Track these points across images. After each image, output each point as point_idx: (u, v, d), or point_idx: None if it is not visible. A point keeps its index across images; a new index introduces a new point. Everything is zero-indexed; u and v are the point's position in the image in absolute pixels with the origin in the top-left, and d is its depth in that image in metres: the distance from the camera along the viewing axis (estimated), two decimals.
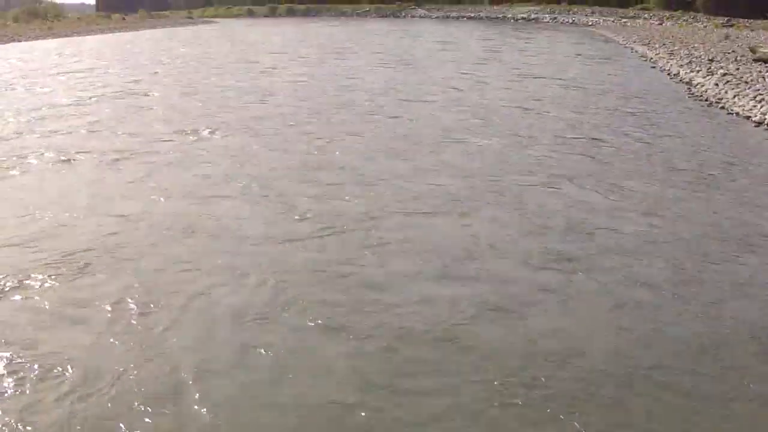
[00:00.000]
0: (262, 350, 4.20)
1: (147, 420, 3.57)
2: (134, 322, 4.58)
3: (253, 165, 8.62)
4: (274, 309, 4.73)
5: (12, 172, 8.36)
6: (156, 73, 19.58)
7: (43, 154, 9.19)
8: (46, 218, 6.58)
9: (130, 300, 4.87)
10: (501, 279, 5.24)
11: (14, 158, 8.97)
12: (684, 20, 44.81)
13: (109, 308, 4.75)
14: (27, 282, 5.18)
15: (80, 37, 38.09)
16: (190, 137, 10.27)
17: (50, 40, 35.81)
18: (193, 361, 4.09)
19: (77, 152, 9.23)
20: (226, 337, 4.40)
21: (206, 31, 47.47)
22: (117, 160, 8.85)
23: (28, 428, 3.53)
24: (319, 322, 4.54)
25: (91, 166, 8.62)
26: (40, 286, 5.12)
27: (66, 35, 39.05)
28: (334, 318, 4.59)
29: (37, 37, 36.60)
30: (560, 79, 17.20)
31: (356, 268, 5.42)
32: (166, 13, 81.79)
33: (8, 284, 5.13)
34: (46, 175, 8.29)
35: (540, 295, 4.96)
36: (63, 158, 8.95)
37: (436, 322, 4.54)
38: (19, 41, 34.20)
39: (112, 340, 4.33)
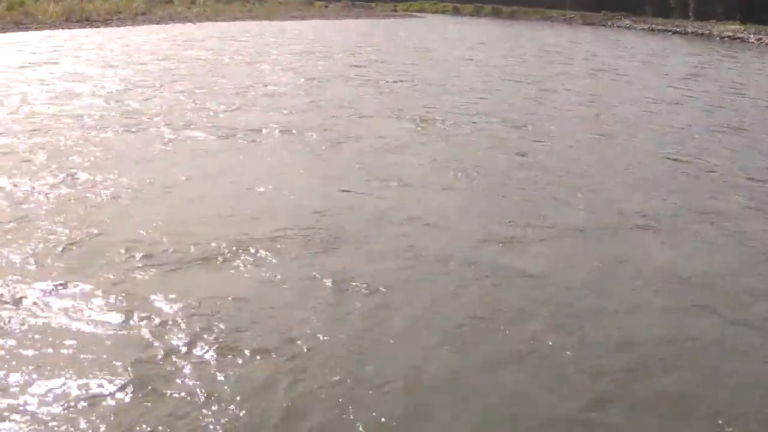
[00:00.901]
0: None
1: None
2: None
3: None
4: None
5: None
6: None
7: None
8: None
9: None
10: None
11: None
12: None
13: None
14: None
15: (277, 22, 37.38)
16: None
17: (248, 22, 35.41)
18: None
19: None
20: None
21: (413, 24, 45.79)
22: None
23: None
24: None
25: None
26: None
27: (261, 19, 38.52)
28: None
29: (235, 19, 36.33)
30: None
31: None
32: (371, 4, 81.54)
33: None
34: None
35: None
36: None
37: None
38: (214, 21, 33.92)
39: None
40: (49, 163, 7.57)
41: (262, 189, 7.09)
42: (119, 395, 3.62)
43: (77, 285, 4.73)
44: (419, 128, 10.65)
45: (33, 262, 5.05)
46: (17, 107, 10.41)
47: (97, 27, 26.65)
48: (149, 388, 3.67)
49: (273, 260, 5.29)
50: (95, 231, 5.73)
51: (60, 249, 5.32)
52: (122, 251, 5.33)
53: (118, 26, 27.70)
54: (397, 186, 7.42)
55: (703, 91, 17.29)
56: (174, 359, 3.95)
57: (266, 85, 13.95)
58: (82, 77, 13.69)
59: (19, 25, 24.46)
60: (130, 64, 16.17)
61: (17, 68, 14.41)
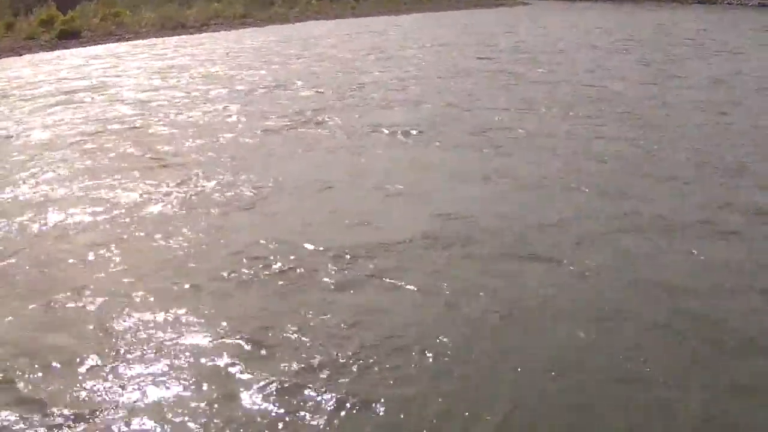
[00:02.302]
0: None
1: None
2: None
3: None
4: None
5: None
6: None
7: None
8: None
9: None
10: None
11: None
12: None
13: None
14: None
15: (391, 17, 35.08)
16: None
17: (355, 19, 33.38)
18: None
19: None
20: None
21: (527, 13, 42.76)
22: None
23: None
24: None
25: None
26: None
27: (366, 15, 36.31)
28: None
29: (336, 17, 34.31)
30: None
31: None
32: None
33: None
34: None
35: None
36: None
37: None
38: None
39: None
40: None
41: None
42: None
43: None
44: None
45: None
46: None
47: (192, 33, 25.10)
48: None
49: None
50: None
51: None
52: None
53: (214, 32, 26.10)
54: None
55: None
56: None
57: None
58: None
59: (112, 36, 23.21)
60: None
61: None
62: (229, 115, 10.31)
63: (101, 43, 21.40)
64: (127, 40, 22.53)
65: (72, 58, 17.91)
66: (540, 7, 56.90)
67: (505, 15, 40.61)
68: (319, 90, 12.37)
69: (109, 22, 25.28)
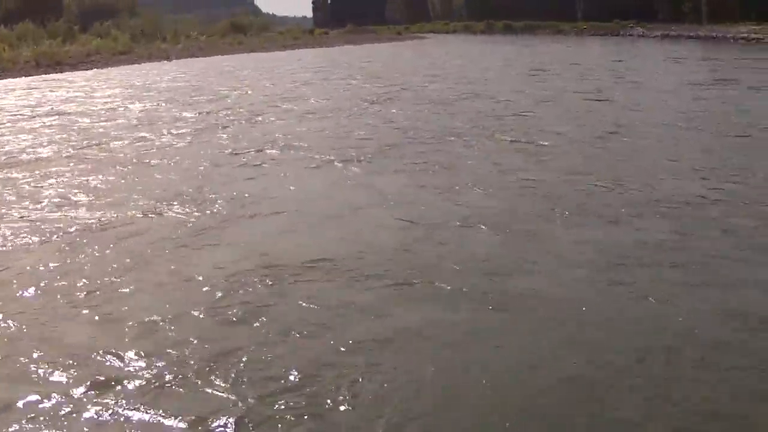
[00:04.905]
0: None
1: None
2: None
3: None
4: None
5: None
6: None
7: None
8: None
9: None
10: None
11: None
12: None
13: None
14: None
15: (246, 55, 36.42)
16: None
17: (237, 55, 34.58)
18: None
19: None
20: None
21: (401, 48, 44.63)
22: None
23: None
24: None
25: None
26: None
27: (251, 51, 37.68)
28: None
29: (220, 53, 35.52)
30: None
31: None
32: (381, 28, 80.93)
33: None
34: None
35: None
36: None
37: None
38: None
39: None
40: None
41: None
42: None
43: None
44: None
45: None
46: None
47: (63, 72, 25.86)
48: None
49: None
50: None
51: None
52: None
53: (87, 69, 26.92)
54: None
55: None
56: None
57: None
58: None
59: None
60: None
61: None
62: None
63: None
64: None
65: None
66: (437, 40, 59.26)
67: (403, 49, 42.31)
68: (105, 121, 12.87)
69: None
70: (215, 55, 34.69)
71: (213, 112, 14.34)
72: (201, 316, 4.63)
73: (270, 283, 5.15)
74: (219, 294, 4.98)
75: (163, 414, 3.52)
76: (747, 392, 3.72)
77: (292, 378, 3.82)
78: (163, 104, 15.71)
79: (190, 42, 38.70)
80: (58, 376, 3.89)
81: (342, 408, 3.57)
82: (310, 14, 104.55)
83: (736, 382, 3.82)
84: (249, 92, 18.13)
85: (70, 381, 3.84)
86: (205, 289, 5.09)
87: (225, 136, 11.52)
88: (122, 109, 15.08)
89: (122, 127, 12.60)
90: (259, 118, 13.35)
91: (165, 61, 30.38)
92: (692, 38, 54.47)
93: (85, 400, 3.66)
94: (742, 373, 3.91)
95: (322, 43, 47.48)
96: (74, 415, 3.55)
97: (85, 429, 3.44)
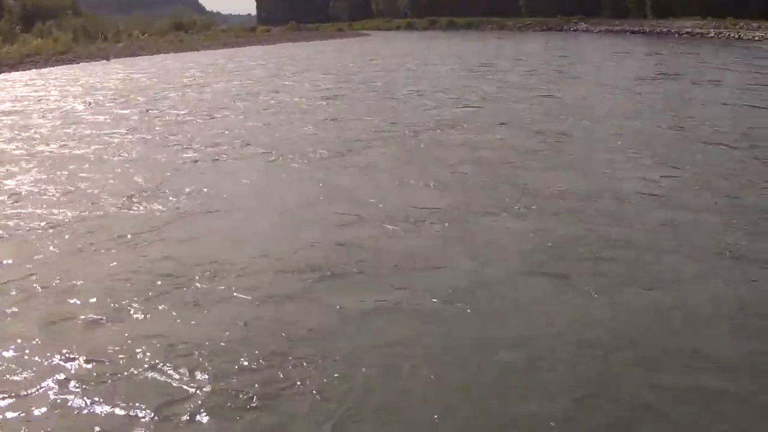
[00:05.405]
0: None
1: None
2: None
3: None
4: None
5: None
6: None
7: None
8: None
9: None
10: None
11: None
12: None
13: None
14: None
15: (181, 54, 36.74)
16: None
17: (178, 54, 34.81)
18: None
19: None
20: None
21: (327, 46, 45.24)
22: None
23: None
24: None
25: None
26: None
27: (190, 50, 37.94)
28: None
29: (158, 52, 35.70)
30: None
31: None
32: (325, 25, 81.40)
33: None
34: None
35: None
36: None
37: None
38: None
39: None
40: None
41: None
42: None
43: None
44: None
45: None
46: None
47: (2, 73, 25.86)
48: None
49: None
50: None
51: None
52: None
53: (26, 69, 26.92)
54: None
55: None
56: None
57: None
58: None
59: None
60: None
61: None
62: None
63: None
64: None
65: None
66: (380, 37, 59.83)
67: (348, 46, 42.73)
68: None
69: None
70: (155, 53, 34.82)
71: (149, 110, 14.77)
72: (143, 311, 4.79)
73: (212, 277, 5.35)
74: (163, 288, 5.14)
75: (105, 404, 3.70)
76: (672, 388, 3.83)
77: (237, 367, 4.05)
78: (105, 102, 16.06)
79: (131, 41, 38.71)
80: None
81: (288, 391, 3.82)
82: (254, 12, 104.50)
83: (663, 380, 3.90)
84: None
85: (12, 376, 4.00)
86: (147, 284, 5.22)
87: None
88: (59, 108, 15.45)
89: (57, 126, 12.86)
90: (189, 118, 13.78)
91: (104, 61, 30.45)
92: (637, 33, 56.21)
93: (31, 393, 3.83)
94: (669, 370, 4.02)
95: (263, 41, 47.90)
96: (16, 412, 3.66)
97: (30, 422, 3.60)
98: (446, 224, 6.64)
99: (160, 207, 7.36)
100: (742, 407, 3.70)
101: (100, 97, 17.31)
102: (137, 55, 33.62)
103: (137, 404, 3.69)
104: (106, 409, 3.68)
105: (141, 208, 7.37)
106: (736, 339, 4.42)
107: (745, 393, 3.81)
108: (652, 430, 3.52)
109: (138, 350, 4.25)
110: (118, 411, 3.66)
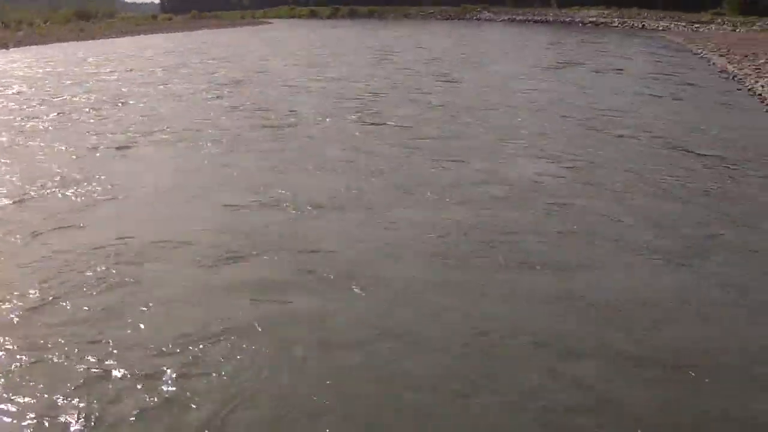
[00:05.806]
0: None
1: None
2: None
3: None
4: None
5: None
6: None
7: None
8: None
9: None
10: None
11: None
12: (760, 26, 40.57)
13: None
14: None
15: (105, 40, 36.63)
16: None
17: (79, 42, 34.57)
18: None
19: None
20: None
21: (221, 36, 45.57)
22: None
23: None
24: None
25: None
26: None
27: (84, 39, 37.67)
28: None
29: (59, 40, 35.42)
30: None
31: None
32: (228, 13, 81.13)
33: None
34: None
35: None
36: None
37: None
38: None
39: None
40: None
41: None
42: None
43: None
44: None
45: None
46: None
47: None
48: None
49: None
50: None
51: None
52: None
53: None
54: None
55: None
56: None
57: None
58: None
59: None
60: None
61: None
62: None
63: None
64: None
65: None
66: (282, 25, 59.69)
67: (248, 35, 42.81)
68: None
69: None
70: (54, 42, 34.60)
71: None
72: (62, 299, 4.95)
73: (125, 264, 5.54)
74: (77, 276, 5.29)
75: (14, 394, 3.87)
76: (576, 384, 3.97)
77: (157, 351, 4.27)
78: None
79: (31, 30, 38.16)
80: None
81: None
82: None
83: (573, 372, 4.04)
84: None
85: None
86: (62, 270, 5.38)
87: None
88: None
89: None
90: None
91: (3, 50, 30.26)
92: (541, 22, 57.39)
93: None
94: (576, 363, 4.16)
95: (163, 29, 47.83)
96: None
97: None
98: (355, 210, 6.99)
99: (65, 195, 7.56)
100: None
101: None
102: (37, 44, 33.31)
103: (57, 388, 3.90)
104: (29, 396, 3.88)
105: (47, 195, 7.57)
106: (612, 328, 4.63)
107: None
108: (537, 415, 3.71)
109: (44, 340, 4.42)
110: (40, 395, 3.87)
